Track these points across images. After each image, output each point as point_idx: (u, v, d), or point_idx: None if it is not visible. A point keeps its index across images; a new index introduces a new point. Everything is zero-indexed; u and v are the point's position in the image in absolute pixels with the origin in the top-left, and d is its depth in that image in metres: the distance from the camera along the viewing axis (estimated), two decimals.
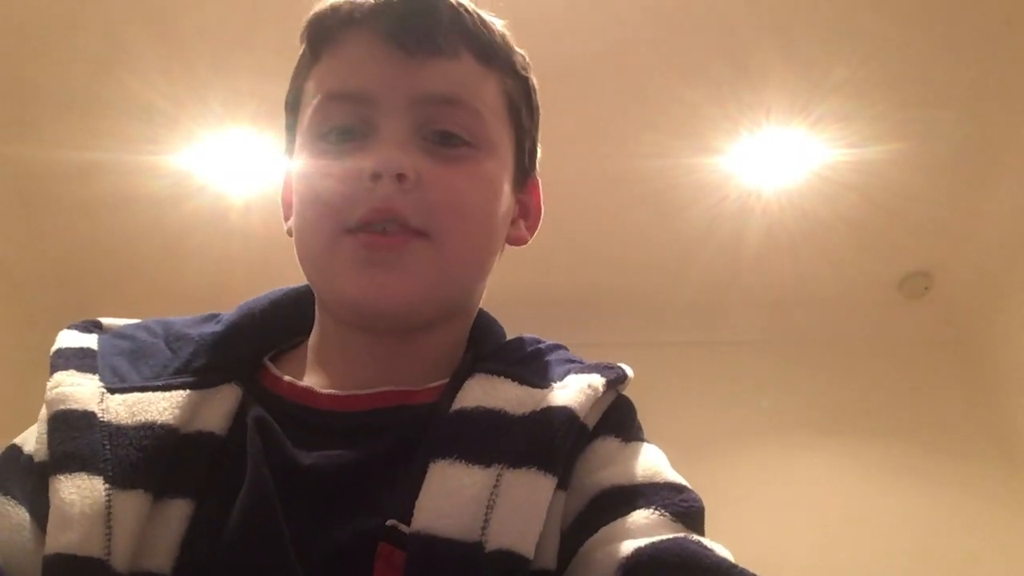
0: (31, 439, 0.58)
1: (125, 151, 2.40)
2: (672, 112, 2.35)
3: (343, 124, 0.62)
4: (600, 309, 3.02)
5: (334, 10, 0.63)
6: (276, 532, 0.52)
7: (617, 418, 0.62)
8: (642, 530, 0.52)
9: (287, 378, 0.63)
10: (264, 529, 0.52)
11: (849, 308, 3.03)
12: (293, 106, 0.68)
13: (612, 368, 0.64)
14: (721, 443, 2.89)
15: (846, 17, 2.11)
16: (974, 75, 2.23)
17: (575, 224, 2.64)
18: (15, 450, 0.59)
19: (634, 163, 2.49)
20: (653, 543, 0.51)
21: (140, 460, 0.54)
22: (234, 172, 2.53)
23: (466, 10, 0.64)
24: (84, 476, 0.52)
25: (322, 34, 0.64)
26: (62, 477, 0.52)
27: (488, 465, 0.54)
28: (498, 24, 0.66)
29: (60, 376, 0.59)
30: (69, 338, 0.63)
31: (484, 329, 0.70)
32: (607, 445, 0.60)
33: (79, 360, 0.60)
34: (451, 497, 0.53)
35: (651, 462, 0.59)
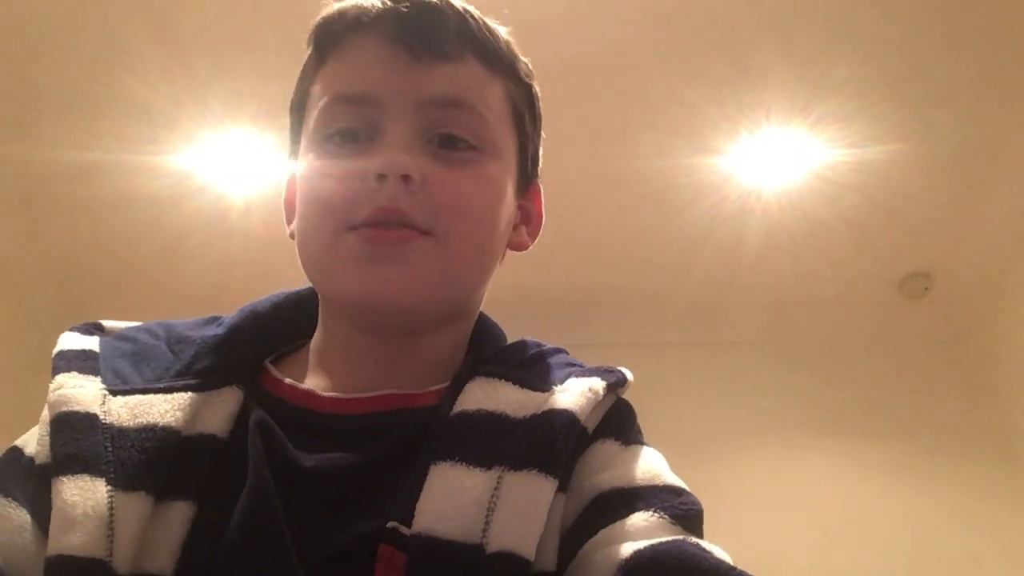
0: (32, 441, 0.58)
1: (125, 151, 2.40)
2: (672, 112, 2.35)
3: (349, 127, 0.62)
4: (600, 309, 3.02)
5: (341, 14, 0.64)
6: (278, 534, 0.52)
7: (617, 421, 0.62)
8: (641, 532, 0.53)
9: (288, 381, 0.63)
10: (266, 531, 0.53)
11: (849, 308, 3.03)
12: (298, 109, 0.68)
13: (612, 372, 0.64)
14: (721, 443, 2.89)
15: (846, 17, 2.11)
16: (974, 75, 2.23)
17: (575, 224, 2.64)
18: (16, 452, 0.59)
19: (634, 163, 2.49)
20: (652, 545, 0.51)
21: (142, 462, 0.54)
22: (234, 172, 2.53)
23: (472, 16, 0.64)
24: (86, 478, 0.53)
25: (329, 38, 0.65)
26: (64, 479, 0.52)
27: (489, 467, 0.55)
28: (503, 31, 0.67)
29: (62, 378, 0.59)
30: (71, 340, 0.63)
31: (485, 332, 0.70)
32: (607, 448, 0.60)
33: (81, 362, 0.60)
34: (452, 499, 0.53)
35: (650, 465, 0.59)
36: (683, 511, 0.55)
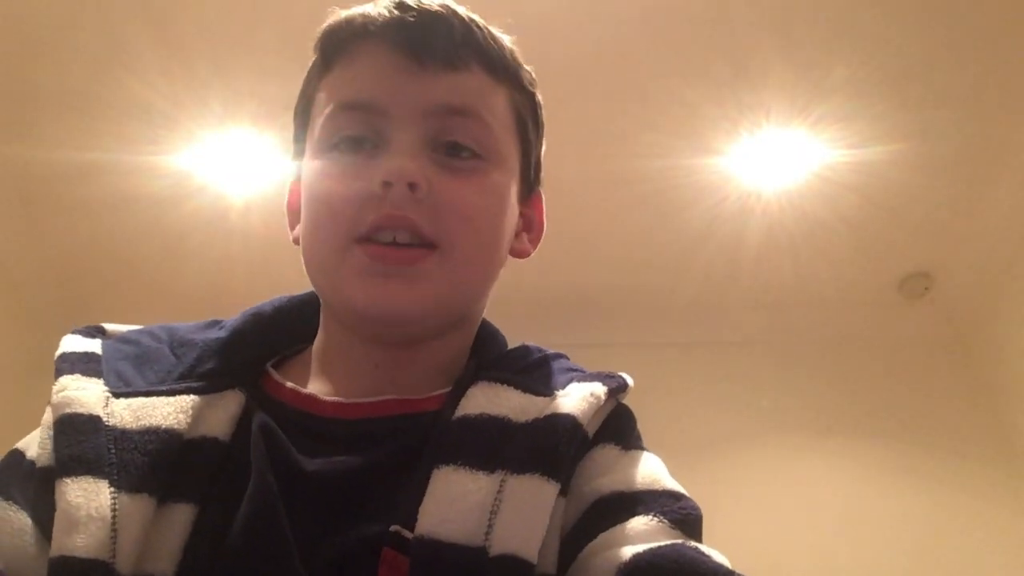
0: (33, 444, 0.58)
1: (125, 151, 2.40)
2: (672, 112, 2.35)
3: (355, 134, 0.63)
4: (600, 309, 3.02)
5: (348, 22, 0.64)
6: (280, 538, 0.53)
7: (617, 426, 0.63)
8: (641, 536, 0.53)
9: (290, 384, 0.64)
10: (268, 535, 0.53)
11: (849, 308, 3.03)
12: (302, 115, 0.69)
13: (613, 377, 0.64)
14: (721, 443, 2.89)
15: (846, 17, 2.11)
16: (974, 75, 2.23)
17: (575, 224, 2.64)
18: (17, 455, 0.59)
19: (634, 163, 2.49)
20: (651, 549, 0.51)
21: (145, 464, 0.54)
22: (234, 172, 2.53)
23: (477, 25, 0.65)
24: (90, 480, 0.53)
25: (336, 45, 0.65)
26: (68, 480, 0.53)
27: (492, 471, 0.55)
28: (507, 40, 0.67)
29: (65, 380, 0.59)
30: (73, 343, 0.63)
31: (487, 338, 0.70)
32: (607, 453, 0.60)
33: (84, 364, 0.61)
34: (455, 502, 0.53)
35: (650, 470, 0.60)
36: (682, 515, 0.55)
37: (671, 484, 0.59)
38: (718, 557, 0.52)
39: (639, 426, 0.65)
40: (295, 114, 0.70)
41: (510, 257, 0.70)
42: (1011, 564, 2.58)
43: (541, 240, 0.73)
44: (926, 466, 2.81)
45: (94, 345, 0.63)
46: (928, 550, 2.66)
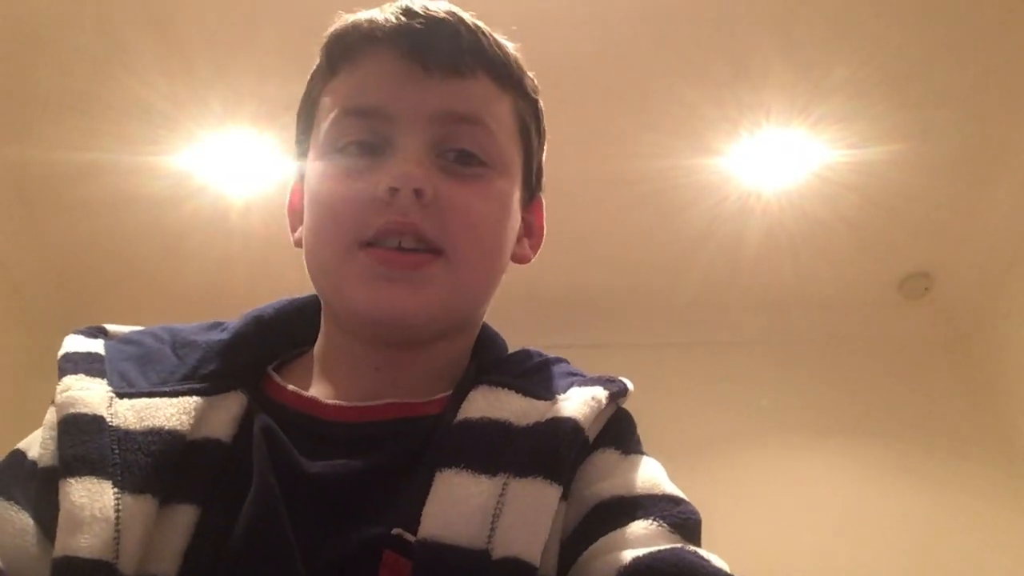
0: (35, 444, 0.58)
1: (125, 151, 2.40)
2: (672, 112, 2.35)
3: (360, 139, 0.63)
4: (600, 309, 3.02)
5: (355, 27, 0.65)
6: (282, 540, 0.53)
7: (617, 430, 0.63)
8: (641, 540, 0.53)
9: (291, 387, 0.64)
10: (270, 537, 0.53)
11: (849, 308, 3.03)
12: (306, 118, 0.69)
13: (614, 381, 0.65)
14: (721, 443, 2.89)
15: (846, 17, 2.11)
16: (974, 75, 2.23)
17: (575, 224, 2.64)
18: (19, 455, 0.59)
19: (634, 163, 2.49)
20: (651, 553, 0.51)
21: (148, 465, 0.55)
22: (234, 173, 2.53)
23: (483, 32, 0.65)
24: (94, 480, 0.53)
25: (342, 50, 0.65)
26: (72, 480, 0.53)
27: (494, 474, 0.55)
28: (511, 47, 0.68)
29: (69, 380, 0.59)
30: (76, 343, 0.63)
31: (487, 342, 0.71)
32: (607, 457, 0.60)
33: (87, 364, 0.61)
34: (457, 505, 0.53)
35: (650, 474, 0.60)
36: (682, 520, 0.55)
37: (671, 488, 0.59)
38: (717, 562, 0.52)
39: (639, 427, 0.65)
40: (298, 116, 0.70)
41: (511, 262, 0.71)
42: (1011, 564, 2.58)
43: (541, 246, 0.74)
44: (926, 466, 2.81)
45: (97, 346, 0.63)
46: (928, 550, 2.66)
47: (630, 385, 0.66)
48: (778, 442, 2.93)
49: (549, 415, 0.59)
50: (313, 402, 0.63)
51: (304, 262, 0.66)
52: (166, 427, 0.57)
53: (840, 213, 2.64)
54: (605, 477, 0.59)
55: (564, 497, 0.56)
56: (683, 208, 2.66)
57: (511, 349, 0.72)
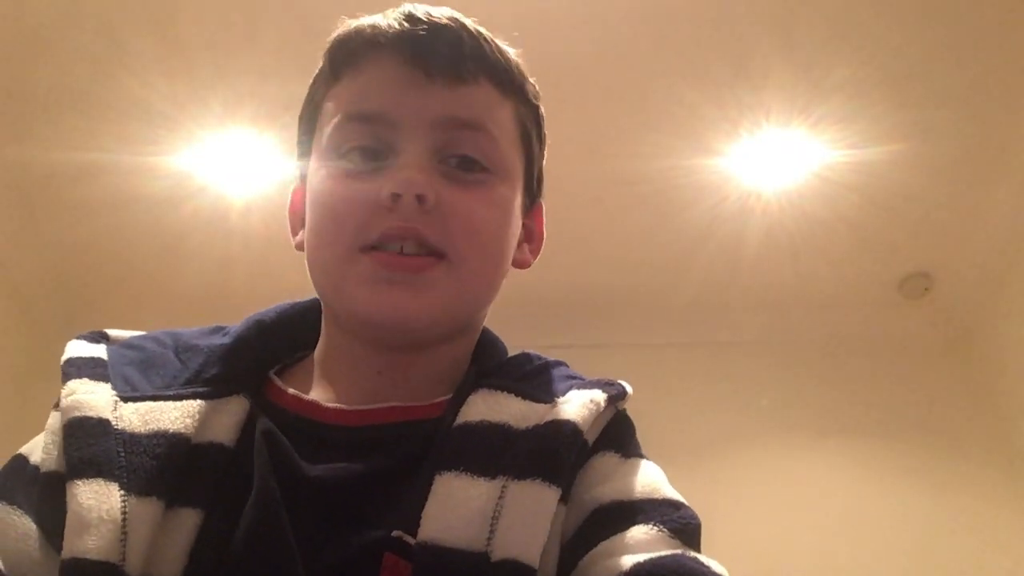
0: (37, 449, 0.59)
1: (125, 152, 2.40)
2: (672, 113, 2.35)
3: (363, 144, 0.63)
4: (600, 309, 3.02)
5: (358, 32, 0.65)
6: (283, 543, 0.53)
7: (616, 434, 0.63)
8: (641, 545, 0.53)
9: (292, 391, 0.64)
10: (271, 540, 0.53)
11: (849, 308, 3.03)
12: (308, 122, 0.69)
13: (613, 384, 0.65)
14: (721, 443, 2.89)
15: (846, 17, 2.11)
16: (974, 75, 2.23)
17: (575, 224, 2.64)
18: (21, 460, 0.60)
19: (634, 163, 2.49)
20: (651, 559, 0.51)
21: (153, 468, 0.55)
22: (234, 173, 2.53)
23: (485, 39, 0.65)
24: (100, 482, 0.53)
25: (345, 56, 0.65)
26: (79, 483, 0.53)
27: (493, 477, 0.55)
28: (513, 53, 0.68)
29: (74, 384, 0.59)
30: (79, 348, 0.64)
31: (487, 345, 0.71)
32: (606, 461, 0.61)
33: (91, 369, 0.61)
34: (457, 508, 0.54)
35: (650, 478, 0.60)
36: (682, 525, 0.56)
37: (670, 493, 0.59)
38: (717, 568, 0.52)
39: (639, 427, 0.66)
40: (300, 119, 0.70)
41: (511, 267, 0.71)
42: (1011, 564, 2.58)
43: (541, 250, 0.74)
44: (926, 466, 2.81)
45: (99, 350, 0.64)
46: (928, 550, 2.66)
47: (629, 388, 0.66)
48: (778, 442, 2.93)
49: (548, 418, 0.59)
50: (314, 406, 0.63)
51: (305, 264, 0.66)
52: (170, 430, 0.57)
53: (840, 213, 2.64)
54: (604, 481, 0.59)
55: (564, 500, 0.57)
56: (683, 208, 2.66)
57: (511, 348, 0.73)
